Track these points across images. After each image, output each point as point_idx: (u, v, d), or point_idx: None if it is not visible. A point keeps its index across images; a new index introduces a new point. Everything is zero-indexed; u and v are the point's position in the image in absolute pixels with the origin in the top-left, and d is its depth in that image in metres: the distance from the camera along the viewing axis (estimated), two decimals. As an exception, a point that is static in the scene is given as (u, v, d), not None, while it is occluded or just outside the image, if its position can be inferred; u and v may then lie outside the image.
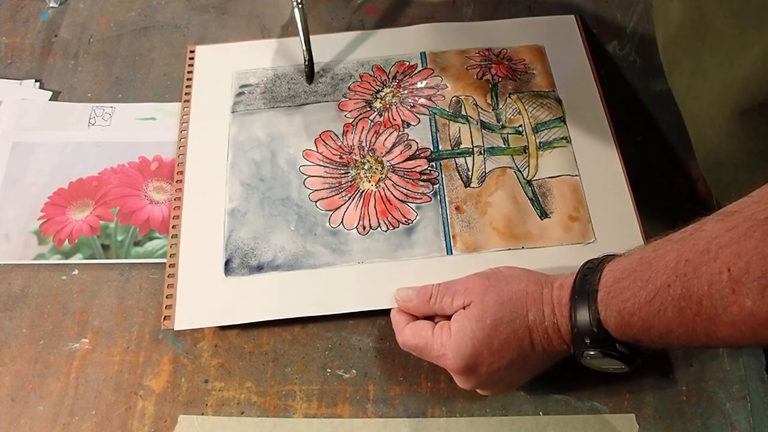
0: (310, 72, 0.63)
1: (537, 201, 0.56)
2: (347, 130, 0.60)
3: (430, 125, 0.60)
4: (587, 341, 0.41)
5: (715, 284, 0.34)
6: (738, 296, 0.33)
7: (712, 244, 0.34)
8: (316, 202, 0.57)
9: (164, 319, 0.52)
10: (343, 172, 0.58)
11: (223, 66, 0.65)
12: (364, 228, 0.55)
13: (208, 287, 0.53)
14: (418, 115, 0.61)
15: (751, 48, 0.41)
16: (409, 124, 0.60)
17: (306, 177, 0.58)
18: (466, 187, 0.57)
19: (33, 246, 0.57)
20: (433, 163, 0.58)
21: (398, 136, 0.60)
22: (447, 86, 0.62)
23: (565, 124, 0.60)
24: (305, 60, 0.62)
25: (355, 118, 0.61)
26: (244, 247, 0.54)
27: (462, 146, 0.59)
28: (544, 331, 0.43)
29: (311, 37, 0.65)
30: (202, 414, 0.50)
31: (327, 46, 0.66)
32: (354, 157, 0.59)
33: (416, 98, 0.62)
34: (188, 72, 0.65)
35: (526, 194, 0.56)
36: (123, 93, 0.66)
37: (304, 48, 0.62)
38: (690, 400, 0.49)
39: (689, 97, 0.51)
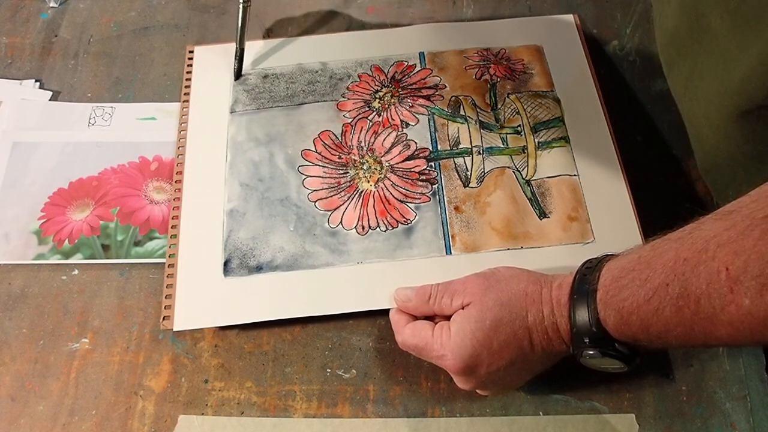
0: (238, 69, 0.64)
1: (536, 201, 0.56)
2: (346, 130, 0.60)
3: (429, 125, 0.60)
4: (586, 341, 0.41)
5: (713, 283, 0.34)
6: (736, 295, 0.33)
7: (711, 243, 0.34)
8: (315, 202, 0.57)
9: (163, 319, 0.52)
10: (342, 172, 0.58)
11: (222, 66, 0.65)
12: (363, 228, 0.55)
13: (207, 288, 0.53)
14: (416, 115, 0.61)
15: (748, 49, 0.41)
16: (407, 124, 0.60)
17: (305, 177, 0.58)
18: (465, 187, 0.57)
19: (33, 246, 0.57)
20: (432, 163, 0.58)
21: (397, 136, 0.60)
22: (446, 86, 0.62)
23: (563, 124, 0.60)
24: (236, 57, 0.63)
25: (354, 118, 0.61)
26: (243, 248, 0.54)
27: (461, 146, 0.59)
28: (543, 331, 0.43)
29: (312, 36, 0.66)
30: (202, 414, 0.50)
31: (326, 46, 0.66)
32: (353, 157, 0.59)
33: (415, 98, 0.62)
34: (187, 72, 0.65)
35: (525, 194, 0.56)
36: (123, 93, 0.66)
37: (238, 46, 0.63)
38: (690, 400, 0.49)
39: (687, 98, 0.51)
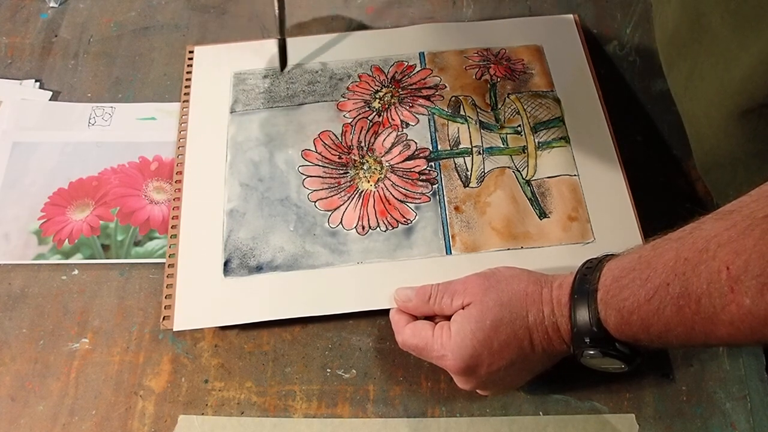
0: (282, 60, 0.64)
1: (536, 201, 0.56)
2: (346, 130, 0.60)
3: (429, 125, 0.60)
4: (587, 341, 0.41)
5: (714, 283, 0.34)
6: (736, 295, 0.33)
7: (711, 242, 0.34)
8: (315, 202, 0.57)
9: (163, 319, 0.52)
10: (342, 172, 0.58)
11: (222, 66, 0.65)
12: (363, 228, 0.55)
13: (207, 288, 0.53)
14: (416, 115, 0.61)
15: (749, 49, 0.41)
16: (407, 124, 0.60)
17: (305, 177, 0.58)
18: (465, 187, 0.57)
19: (33, 246, 0.57)
20: (432, 163, 0.58)
21: (397, 136, 0.60)
22: (446, 86, 0.62)
23: (563, 123, 0.60)
24: (279, 48, 0.63)
25: (354, 118, 0.61)
26: (243, 248, 0.54)
27: (461, 146, 0.59)
28: (544, 331, 0.43)
29: (312, 36, 0.66)
30: (202, 414, 0.50)
31: (326, 46, 0.66)
32: (353, 157, 0.59)
33: (415, 98, 0.62)
34: (187, 72, 0.65)
35: (525, 194, 0.56)
36: (123, 93, 0.66)
37: (279, 37, 0.62)
38: (690, 400, 0.49)
39: (687, 97, 0.51)
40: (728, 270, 0.33)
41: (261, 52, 0.66)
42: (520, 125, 0.60)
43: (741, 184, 0.37)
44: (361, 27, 0.69)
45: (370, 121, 0.61)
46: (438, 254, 0.54)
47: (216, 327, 0.53)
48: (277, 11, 0.60)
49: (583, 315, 0.41)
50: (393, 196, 0.57)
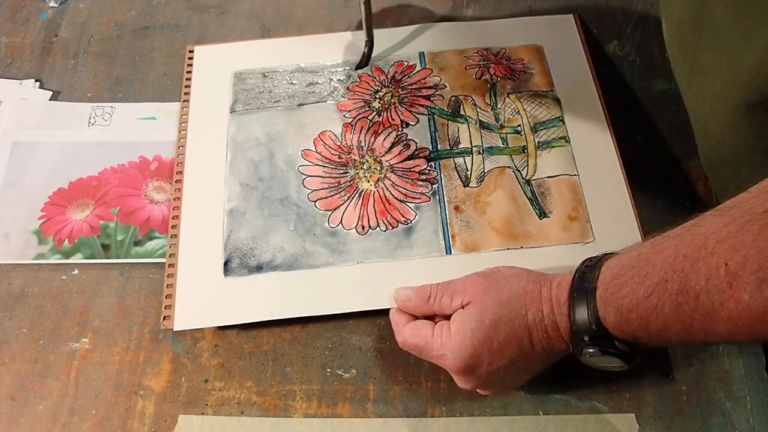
0: (367, 59, 0.64)
1: (536, 201, 0.56)
2: (346, 130, 0.60)
3: (429, 125, 0.60)
4: (586, 339, 0.41)
5: (713, 279, 0.34)
6: (735, 291, 0.33)
7: (710, 239, 0.34)
8: (315, 202, 0.57)
9: (163, 319, 0.52)
10: (342, 172, 0.58)
11: (222, 66, 0.65)
12: (363, 228, 0.55)
13: (207, 287, 0.53)
14: (416, 115, 0.61)
15: (753, 41, 0.40)
16: (407, 124, 0.60)
17: (305, 177, 0.58)
18: (464, 186, 0.57)
19: (33, 246, 0.57)
20: (432, 163, 0.58)
21: (397, 135, 0.60)
22: (446, 86, 0.62)
23: (563, 123, 0.60)
24: (366, 47, 0.63)
25: (354, 118, 0.61)
26: (244, 247, 0.54)
27: (461, 146, 0.59)
28: (543, 330, 0.43)
29: (313, 36, 0.66)
30: (202, 414, 0.50)
31: (326, 46, 0.66)
32: (353, 156, 0.59)
33: (415, 98, 0.62)
34: (187, 72, 0.65)
35: (525, 194, 0.56)
36: (123, 93, 0.66)
37: (366, 38, 0.62)
38: (690, 400, 0.49)
39: (691, 92, 0.51)
40: (727, 266, 0.33)
41: (261, 52, 0.66)
42: (520, 125, 0.60)
43: (743, 181, 0.37)
44: (361, 27, 0.68)
45: (370, 120, 0.61)
46: (438, 254, 0.54)
47: (216, 327, 0.53)
48: (363, 14, 0.60)
49: (582, 313, 0.41)
50: (393, 195, 0.57)
